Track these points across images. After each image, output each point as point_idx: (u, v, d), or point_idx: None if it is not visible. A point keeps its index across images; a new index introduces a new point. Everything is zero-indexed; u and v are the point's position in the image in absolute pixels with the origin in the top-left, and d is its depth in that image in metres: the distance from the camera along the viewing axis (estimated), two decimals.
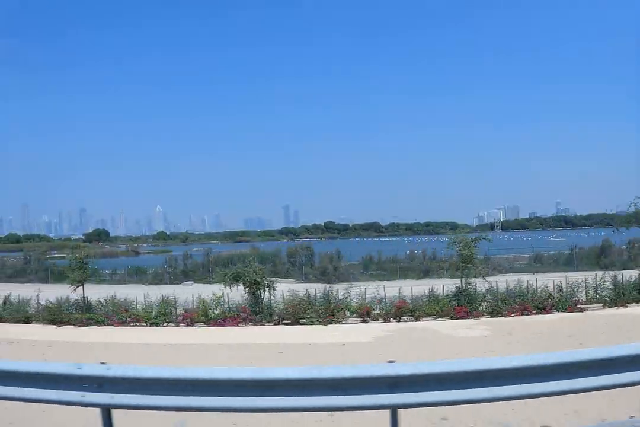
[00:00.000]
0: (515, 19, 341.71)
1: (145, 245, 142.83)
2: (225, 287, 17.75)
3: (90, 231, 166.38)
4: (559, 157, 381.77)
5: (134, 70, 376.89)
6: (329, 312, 16.75)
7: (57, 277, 42.82)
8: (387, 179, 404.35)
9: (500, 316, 17.02)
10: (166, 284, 33.58)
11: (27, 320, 18.35)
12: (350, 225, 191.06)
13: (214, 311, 17.24)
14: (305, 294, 18.23)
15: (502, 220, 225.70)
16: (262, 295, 17.66)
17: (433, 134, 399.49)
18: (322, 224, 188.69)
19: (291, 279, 33.34)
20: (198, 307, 17.54)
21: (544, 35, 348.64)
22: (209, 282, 32.60)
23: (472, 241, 19.14)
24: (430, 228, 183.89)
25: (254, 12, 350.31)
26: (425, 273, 33.58)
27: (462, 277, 18.67)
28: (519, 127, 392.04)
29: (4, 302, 19.73)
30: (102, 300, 18.74)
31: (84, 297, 18.70)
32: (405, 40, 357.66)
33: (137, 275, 44.32)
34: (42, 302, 19.41)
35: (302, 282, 31.16)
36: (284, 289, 20.23)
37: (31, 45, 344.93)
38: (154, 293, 19.82)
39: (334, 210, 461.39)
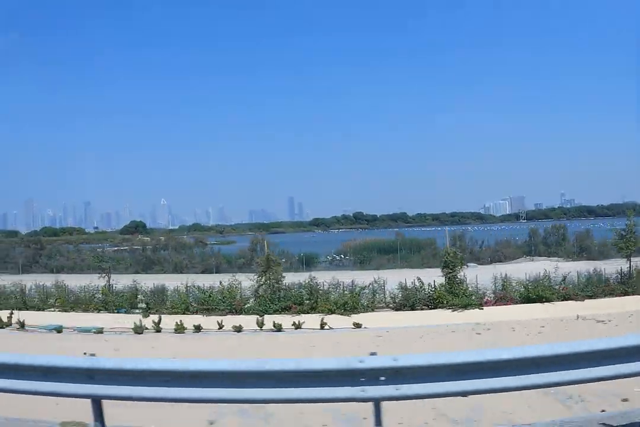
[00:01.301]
0: (516, 18, 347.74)
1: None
2: None
3: (127, 223, 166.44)
4: (562, 149, 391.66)
5: (136, 65, 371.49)
6: None
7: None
8: (388, 173, 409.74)
9: None
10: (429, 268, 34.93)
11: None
12: (378, 216, 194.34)
13: None
14: None
15: (521, 210, 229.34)
16: None
17: (432, 130, 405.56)
18: (351, 214, 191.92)
19: (554, 258, 36.05)
20: None
21: (544, 34, 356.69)
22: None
23: None
24: (457, 218, 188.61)
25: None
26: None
27: None
28: (523, 120, 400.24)
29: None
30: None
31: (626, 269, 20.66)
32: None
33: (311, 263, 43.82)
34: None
35: (568, 261, 33.65)
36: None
37: (30, 40, 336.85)
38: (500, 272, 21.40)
39: (336, 204, 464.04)
